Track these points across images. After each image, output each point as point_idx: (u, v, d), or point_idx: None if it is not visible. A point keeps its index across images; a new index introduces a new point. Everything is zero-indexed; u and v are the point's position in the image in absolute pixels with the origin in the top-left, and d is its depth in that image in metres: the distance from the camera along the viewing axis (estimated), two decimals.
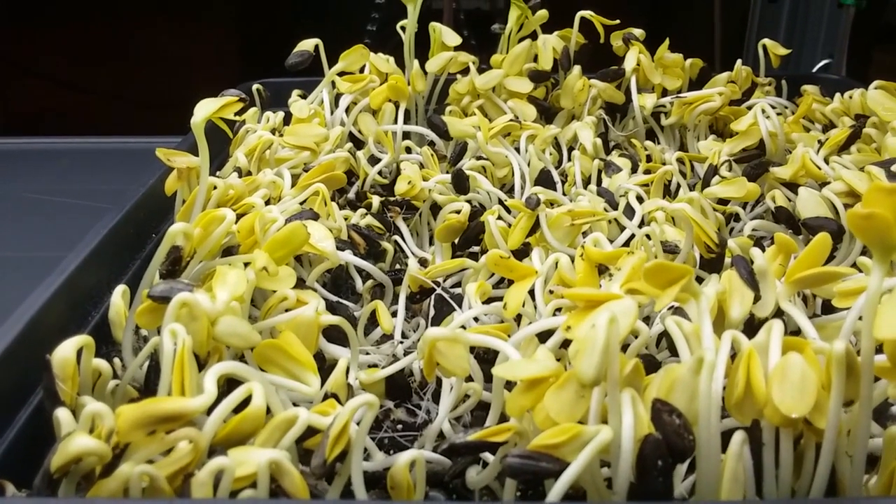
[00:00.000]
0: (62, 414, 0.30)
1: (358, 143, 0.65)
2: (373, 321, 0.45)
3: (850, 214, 0.26)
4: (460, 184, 0.53)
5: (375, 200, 0.56)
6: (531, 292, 0.40)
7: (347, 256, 0.46)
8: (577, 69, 0.68)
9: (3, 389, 0.35)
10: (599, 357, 0.27)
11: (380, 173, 0.60)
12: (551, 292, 0.39)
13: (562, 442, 0.27)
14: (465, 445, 0.29)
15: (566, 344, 0.33)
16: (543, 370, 0.29)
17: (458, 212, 0.50)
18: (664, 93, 0.69)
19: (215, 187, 0.46)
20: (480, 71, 0.68)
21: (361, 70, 0.66)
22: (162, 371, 0.31)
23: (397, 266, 0.52)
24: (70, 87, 1.47)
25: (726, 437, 0.29)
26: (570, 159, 0.61)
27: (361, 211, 0.54)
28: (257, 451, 0.28)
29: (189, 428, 0.28)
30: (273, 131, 0.61)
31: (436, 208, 0.54)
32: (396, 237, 0.55)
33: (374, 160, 0.61)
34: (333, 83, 0.66)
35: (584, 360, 0.27)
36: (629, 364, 0.29)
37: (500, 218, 0.48)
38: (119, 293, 0.40)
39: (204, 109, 0.43)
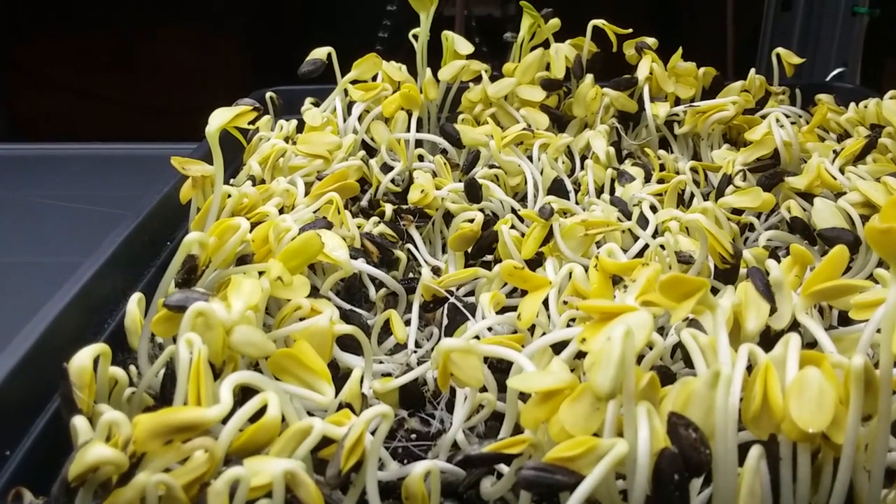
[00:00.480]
0: (79, 422, 0.30)
1: (371, 151, 0.66)
2: (386, 330, 0.45)
3: (868, 229, 0.26)
4: (473, 192, 0.53)
5: (388, 208, 0.56)
6: (545, 302, 0.40)
7: (361, 265, 0.46)
8: (589, 78, 0.68)
9: (22, 397, 0.35)
10: (615, 370, 0.27)
11: (392, 181, 0.60)
12: (566, 303, 0.38)
13: (577, 455, 0.27)
14: (480, 457, 0.29)
15: (581, 355, 0.33)
16: (558, 382, 0.29)
17: (471, 221, 0.50)
18: (677, 101, 0.68)
19: (229, 196, 0.46)
20: (493, 78, 0.68)
21: (374, 78, 0.67)
22: (178, 380, 0.31)
23: (410, 274, 0.52)
24: (83, 94, 1.48)
25: (743, 450, 0.29)
26: (582, 168, 0.61)
27: (374, 219, 0.55)
28: (273, 461, 0.28)
29: (205, 437, 0.28)
30: (286, 139, 0.62)
31: (449, 217, 0.54)
32: (409, 245, 0.55)
33: (386, 168, 0.62)
34: (346, 91, 0.66)
35: (599, 374, 0.27)
36: (645, 377, 0.29)
37: (513, 227, 0.48)
38: (135, 301, 0.40)
39: (218, 119, 0.43)
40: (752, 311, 0.35)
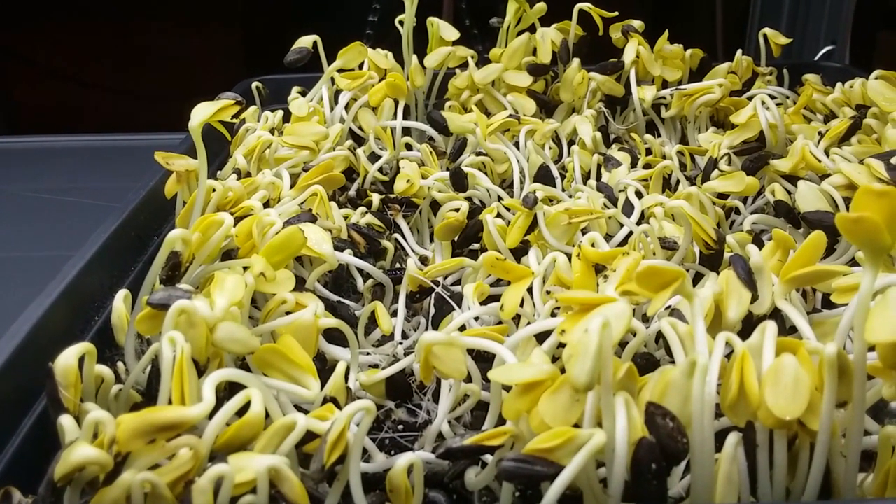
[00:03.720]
0: (66, 421, 0.31)
1: (359, 140, 0.65)
2: (374, 321, 0.45)
3: (840, 218, 0.26)
4: (459, 181, 0.53)
5: (375, 198, 0.56)
6: (530, 290, 0.40)
7: (345, 257, 0.46)
8: (576, 62, 0.67)
9: (9, 396, 0.36)
10: (592, 362, 0.27)
11: (380, 170, 0.60)
12: (549, 293, 0.39)
13: (556, 446, 0.28)
14: (461, 450, 0.30)
15: (564, 344, 0.33)
16: (538, 374, 0.29)
17: (456, 210, 0.50)
18: (664, 84, 0.68)
19: (214, 190, 0.47)
20: (481, 63, 0.68)
21: (360, 66, 0.66)
22: (162, 379, 0.31)
23: (398, 264, 0.52)
24: (79, 83, 1.48)
25: (722, 436, 0.29)
26: (569, 154, 0.61)
27: (362, 209, 0.55)
28: (257, 458, 0.28)
29: (189, 435, 0.28)
30: (272, 130, 0.61)
31: (436, 205, 0.55)
32: (397, 235, 0.55)
33: (374, 157, 0.62)
34: (333, 80, 0.66)
35: (577, 366, 0.27)
36: (622, 368, 0.29)
37: (499, 215, 0.48)
38: (121, 298, 0.40)
39: (200, 114, 0.43)
40: (734, 299, 0.36)
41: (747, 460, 0.29)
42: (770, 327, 0.29)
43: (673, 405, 0.28)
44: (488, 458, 0.34)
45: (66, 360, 0.32)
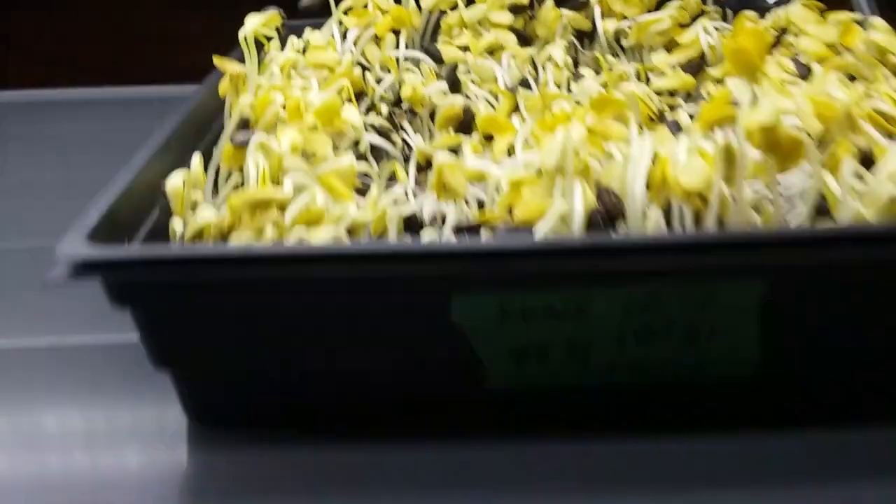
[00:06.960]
0: (177, 222, 0.42)
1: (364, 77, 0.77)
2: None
3: (726, 47, 0.38)
4: (454, 87, 0.65)
5: (384, 108, 0.68)
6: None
7: (367, 136, 0.58)
8: (549, 2, 0.80)
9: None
10: (559, 154, 0.39)
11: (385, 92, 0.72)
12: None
13: (536, 216, 0.40)
14: (469, 226, 0.42)
15: None
16: (524, 174, 0.42)
17: None
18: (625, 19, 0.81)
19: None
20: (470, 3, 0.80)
21: (365, 7, 0.78)
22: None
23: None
24: (75, 68, 1.53)
25: None
26: (545, 73, 0.73)
27: (373, 114, 0.66)
28: (323, 229, 0.40)
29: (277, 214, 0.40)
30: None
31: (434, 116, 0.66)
32: (403, 135, 0.67)
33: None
34: (340, 21, 0.78)
35: (548, 157, 0.39)
36: (581, 161, 0.41)
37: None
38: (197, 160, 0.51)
39: (252, 23, 0.55)
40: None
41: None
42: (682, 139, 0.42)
43: (615, 186, 0.40)
44: None
45: (175, 182, 0.44)
